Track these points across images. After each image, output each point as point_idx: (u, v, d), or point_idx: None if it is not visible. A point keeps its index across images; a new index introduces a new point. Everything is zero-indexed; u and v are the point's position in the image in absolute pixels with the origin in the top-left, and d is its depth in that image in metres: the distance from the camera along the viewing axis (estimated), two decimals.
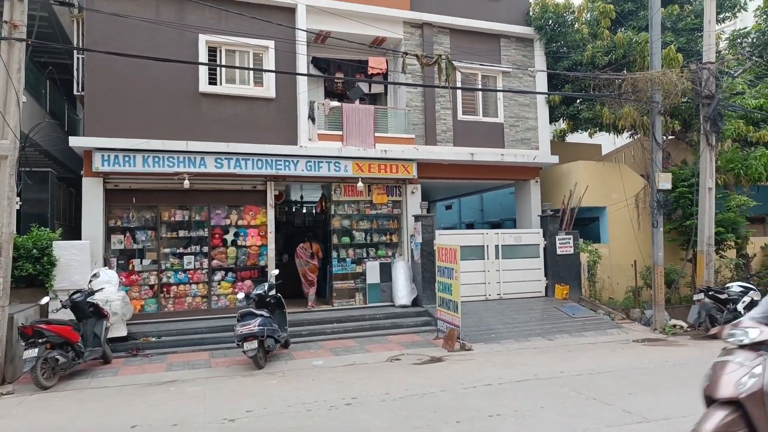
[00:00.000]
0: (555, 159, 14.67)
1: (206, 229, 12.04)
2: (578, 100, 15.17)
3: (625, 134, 16.10)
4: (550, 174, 15.22)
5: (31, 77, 11.74)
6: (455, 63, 11.28)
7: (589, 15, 15.37)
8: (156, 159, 11.12)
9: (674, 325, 11.90)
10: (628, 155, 17.36)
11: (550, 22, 14.43)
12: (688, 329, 11.80)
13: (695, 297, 11.89)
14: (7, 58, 7.68)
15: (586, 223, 15.38)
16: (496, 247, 13.50)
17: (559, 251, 13.68)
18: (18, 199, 9.10)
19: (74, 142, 10.73)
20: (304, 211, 17.27)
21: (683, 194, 13.92)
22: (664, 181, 12.03)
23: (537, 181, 14.81)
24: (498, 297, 13.40)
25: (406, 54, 10.86)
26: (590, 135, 17.13)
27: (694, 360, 8.83)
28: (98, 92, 11.00)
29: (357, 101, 13.52)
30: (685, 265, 14.08)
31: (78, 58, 11.61)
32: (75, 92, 11.74)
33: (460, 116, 14.03)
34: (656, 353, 9.66)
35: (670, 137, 15.27)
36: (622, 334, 11.42)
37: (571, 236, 13.79)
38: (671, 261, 14.14)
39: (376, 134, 12.94)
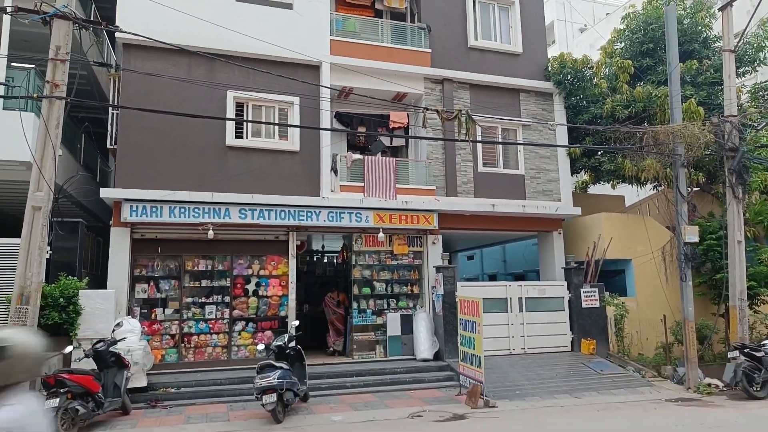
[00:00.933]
0: (577, 211, 14.58)
1: (228, 279, 12.13)
2: (599, 153, 15.19)
3: (648, 186, 15.98)
4: (572, 225, 15.09)
5: (68, 131, 12.28)
6: (475, 116, 11.49)
7: (607, 70, 15.61)
8: (182, 210, 11.38)
9: (709, 384, 11.38)
10: (652, 207, 17.14)
11: (569, 77, 14.68)
12: (724, 389, 11.26)
13: (730, 355, 11.39)
14: (47, 114, 8.07)
15: (612, 276, 15.07)
16: (520, 299, 13.26)
17: (584, 304, 13.37)
18: (48, 248, 9.36)
19: (105, 193, 11.09)
20: (325, 260, 17.30)
21: (711, 247, 13.61)
22: (691, 234, 11.81)
23: (560, 233, 14.67)
24: (522, 351, 13.05)
25: (427, 109, 11.12)
26: (612, 186, 17.04)
27: (733, 423, 8.39)
28: (130, 145, 11.43)
29: (378, 154, 13.76)
30: (717, 321, 13.58)
31: (112, 113, 12.14)
32: (108, 145, 12.21)
33: (481, 168, 14.15)
34: (691, 414, 9.20)
35: (694, 189, 15.09)
36: (653, 392, 10.94)
37: (596, 289, 13.50)
38: (702, 316, 13.68)
39: (398, 185, 13.10)
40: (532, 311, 13.30)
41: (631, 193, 17.91)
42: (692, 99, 13.55)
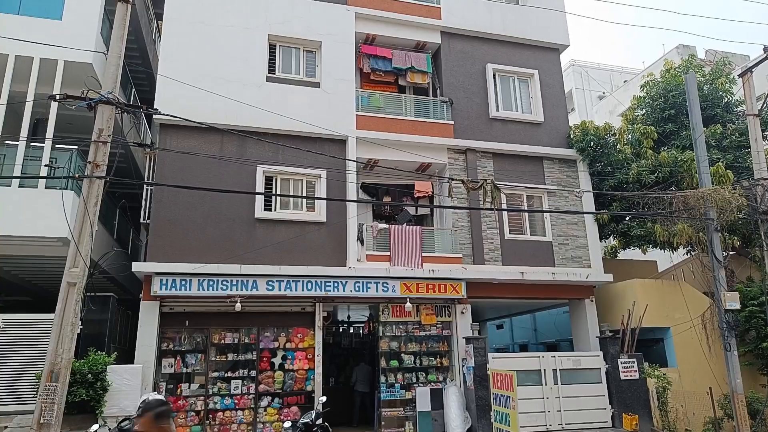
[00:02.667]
0: (609, 277, 14.23)
1: (254, 352, 11.99)
2: (628, 218, 15.01)
3: (681, 250, 15.60)
4: (604, 293, 14.68)
5: (103, 207, 12.70)
6: (499, 183, 11.57)
7: (630, 136, 15.71)
8: (211, 282, 11.47)
9: None
10: (687, 272, 16.64)
11: (592, 143, 14.80)
12: None
13: None
14: (87, 193, 8.39)
15: (650, 345, 14.43)
16: (554, 371, 12.70)
17: (622, 376, 12.73)
18: (80, 323, 9.44)
19: (137, 267, 11.29)
20: (351, 331, 17.05)
21: (754, 314, 13.02)
22: (732, 301, 11.36)
23: (592, 301, 14.26)
24: (560, 427, 12.34)
25: (452, 180, 11.25)
26: (643, 252, 16.68)
27: None
28: (162, 220, 11.74)
29: (404, 224, 13.84)
30: None
31: (147, 189, 12.59)
32: (141, 220, 12.57)
33: (508, 235, 14.05)
34: None
35: (730, 253, 14.67)
36: None
37: (634, 360, 12.89)
38: (751, 387, 12.87)
39: (424, 254, 13.05)
40: (568, 384, 12.69)
41: (663, 258, 17.48)
42: (720, 163, 13.47)
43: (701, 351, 13.34)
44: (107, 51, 10.04)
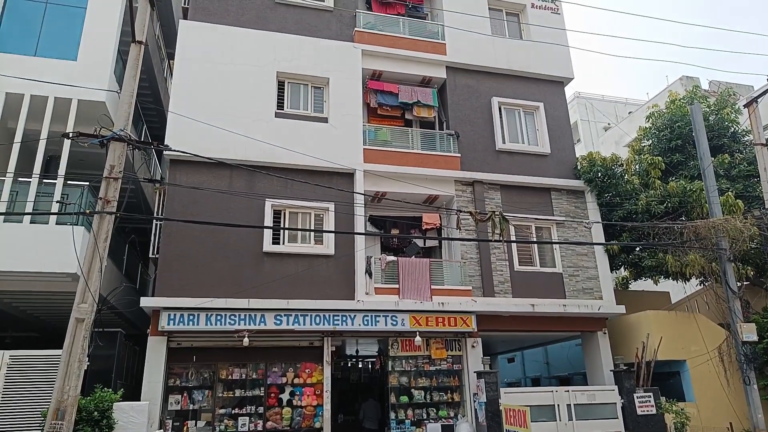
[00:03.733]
0: (621, 309, 14.01)
1: (262, 388, 11.82)
2: (638, 248, 14.87)
3: (694, 281, 15.37)
4: (617, 325, 14.42)
5: (113, 242, 12.78)
6: (507, 215, 11.55)
7: (637, 166, 15.70)
8: (218, 317, 11.40)
9: None
10: (701, 303, 16.35)
11: (599, 174, 14.79)
12: None
13: None
14: (97, 229, 8.45)
15: (665, 379, 14.08)
16: (569, 406, 12.37)
17: (639, 411, 12.38)
18: (87, 359, 9.37)
19: (145, 302, 11.27)
20: (360, 366, 16.80)
21: None
22: (749, 333, 11.14)
23: (605, 333, 14.01)
24: None
25: (460, 212, 11.24)
26: (655, 282, 16.45)
27: None
28: (171, 255, 11.77)
29: (413, 256, 13.78)
30: None
31: (156, 224, 12.66)
32: (150, 255, 12.61)
33: (517, 267, 13.94)
34: None
35: (744, 283, 14.43)
36: None
37: (650, 394, 12.56)
38: None
39: (433, 287, 12.94)
40: (582, 419, 12.34)
41: (675, 289, 17.22)
42: (729, 192, 13.40)
43: (719, 385, 12.98)
44: (120, 90, 10.30)
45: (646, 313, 14.07)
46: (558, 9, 17.07)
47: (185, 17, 14.11)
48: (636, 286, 18.29)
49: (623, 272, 17.42)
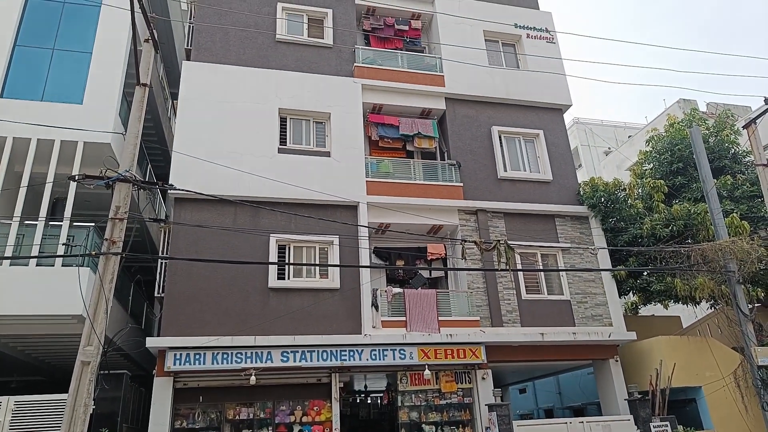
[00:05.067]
0: (632, 335, 13.80)
1: (270, 428, 11.59)
2: (646, 273, 14.75)
3: (704, 304, 15.17)
4: (629, 351, 14.19)
5: (118, 282, 12.77)
6: (512, 243, 11.50)
7: (640, 190, 15.71)
8: (225, 355, 11.28)
9: None
10: (713, 327, 16.09)
11: (603, 199, 14.78)
12: None
13: None
14: (103, 270, 8.44)
15: (681, 406, 13.75)
16: None
17: None
18: (92, 402, 9.24)
19: (151, 342, 11.17)
20: (369, 402, 16.50)
21: None
22: (764, 357, 10.95)
23: (617, 360, 13.77)
24: None
25: (465, 241, 11.22)
26: (665, 307, 16.27)
27: None
28: (176, 293, 11.72)
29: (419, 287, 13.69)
30: None
31: (162, 263, 12.66)
32: (156, 294, 12.57)
33: (525, 295, 13.81)
34: None
35: (756, 305, 14.23)
36: None
37: (667, 423, 12.25)
38: None
39: (440, 318, 12.81)
40: None
41: (686, 313, 16.99)
42: (734, 214, 13.36)
43: (737, 411, 12.67)
44: (125, 131, 10.44)
45: (658, 338, 13.85)
46: (553, 38, 17.37)
47: (188, 58, 14.42)
48: (646, 311, 18.07)
49: (632, 297, 17.24)
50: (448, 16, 16.26)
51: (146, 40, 9.57)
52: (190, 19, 15.63)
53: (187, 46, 15.03)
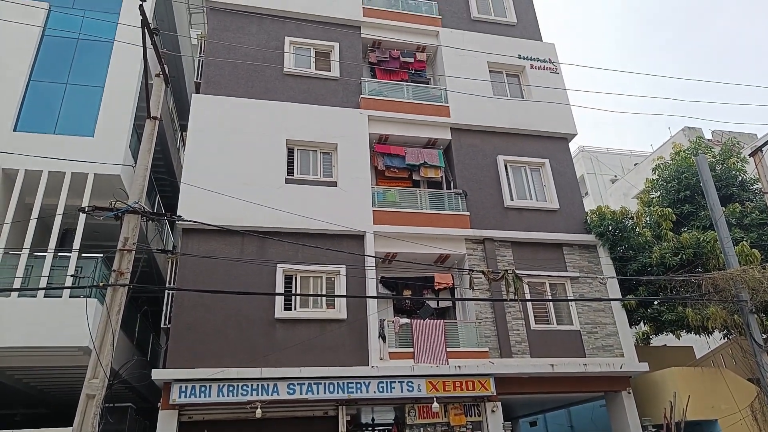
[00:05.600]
0: (644, 366, 13.53)
1: None
2: (657, 302, 14.56)
3: (717, 334, 14.91)
4: (642, 383, 13.89)
5: (124, 313, 12.73)
6: (520, 272, 11.42)
7: (648, 219, 15.63)
8: (231, 388, 11.15)
9: None
10: (727, 357, 15.79)
11: (610, 228, 14.71)
12: None
13: None
14: (110, 301, 8.43)
15: None
16: None
17: None
18: None
19: (156, 375, 11.07)
20: None
21: None
22: None
23: (629, 392, 13.47)
24: None
25: (472, 271, 11.16)
26: (677, 337, 15.98)
27: None
28: (182, 324, 11.65)
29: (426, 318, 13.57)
30: None
31: (169, 294, 12.64)
32: (162, 325, 12.51)
33: (534, 326, 13.64)
34: None
35: None
36: None
37: None
38: None
39: (448, 349, 12.65)
40: None
41: (699, 343, 16.69)
42: (744, 242, 13.24)
43: None
44: (135, 163, 10.59)
45: (671, 370, 13.57)
46: (557, 69, 17.60)
47: (197, 91, 14.68)
48: (657, 341, 17.77)
49: (643, 327, 16.97)
50: (453, 48, 16.54)
51: (157, 75, 9.77)
52: (200, 53, 16.00)
53: (197, 79, 15.34)
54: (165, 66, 9.76)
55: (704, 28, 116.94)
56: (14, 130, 12.11)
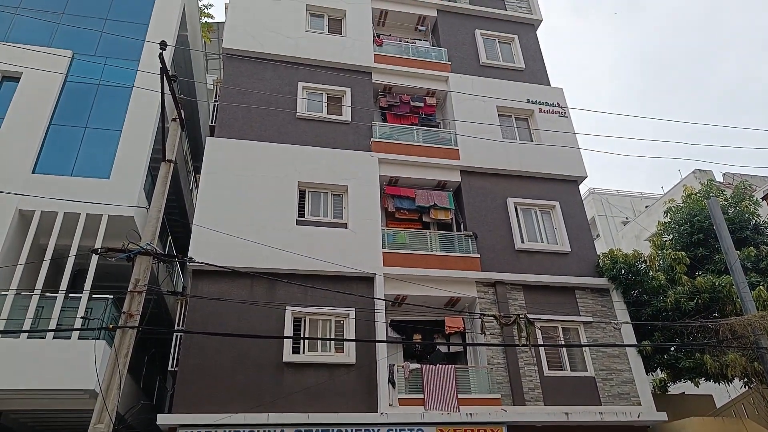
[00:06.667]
0: (663, 416, 13.07)
1: None
2: (673, 348, 14.20)
3: (737, 382, 14.43)
4: None
5: (132, 355, 12.63)
6: (532, 316, 11.25)
7: (662, 262, 15.44)
8: None
9: None
10: (748, 406, 15.22)
11: (623, 271, 14.52)
12: None
13: None
14: (119, 343, 8.38)
15: None
16: None
17: None
18: None
19: (162, 420, 10.88)
20: None
21: None
22: None
23: None
24: None
25: (484, 315, 11.01)
26: (696, 385, 15.50)
27: None
28: (190, 368, 11.51)
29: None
30: None
31: (177, 336, 12.55)
32: (169, 368, 12.36)
33: (547, 371, 13.31)
34: None
35: None
36: None
37: None
38: None
39: (460, 396, 12.34)
40: None
41: (719, 392, 16.13)
42: (761, 287, 12.99)
43: None
44: (149, 205, 10.73)
45: (691, 420, 13.09)
46: (565, 112, 17.80)
47: (212, 134, 15.00)
48: (675, 389, 17.21)
49: (660, 374, 16.50)
50: (462, 93, 16.85)
51: (174, 119, 10.03)
52: (215, 97, 16.44)
53: (212, 122, 15.70)
54: (181, 111, 10.02)
55: (711, 71, 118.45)
56: (33, 172, 12.37)
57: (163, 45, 8.86)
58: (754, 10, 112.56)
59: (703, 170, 26.45)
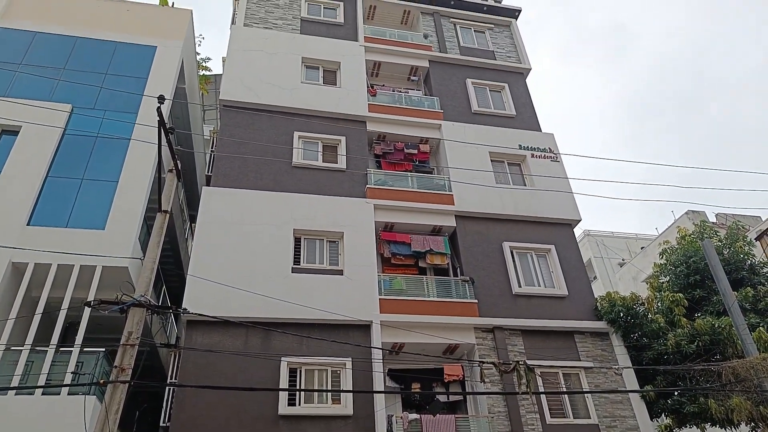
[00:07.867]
0: None
1: None
2: (676, 393, 13.92)
3: (744, 427, 14.09)
4: None
5: (123, 410, 12.27)
6: (532, 363, 11.07)
7: (660, 304, 15.35)
8: None
9: None
10: None
11: (621, 314, 14.42)
12: None
13: None
14: (110, 399, 8.16)
15: None
16: None
17: None
18: None
19: None
20: None
21: None
22: None
23: None
24: None
25: (483, 362, 10.84)
26: (701, 430, 15.10)
27: None
28: (182, 423, 11.17)
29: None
30: None
31: (169, 390, 12.24)
32: (161, 423, 12.00)
33: (549, 420, 12.99)
34: None
35: None
36: None
37: None
38: None
39: None
40: None
41: None
42: (761, 328, 12.89)
43: None
44: (143, 255, 10.69)
45: None
46: (557, 157, 18.09)
47: (208, 183, 15.11)
48: None
49: (665, 420, 16.10)
50: (455, 141, 17.15)
51: (170, 170, 10.11)
52: (212, 147, 16.65)
53: (208, 172, 15.83)
54: (178, 162, 10.12)
55: (698, 113, 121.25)
56: (28, 224, 12.34)
57: (161, 99, 9.02)
58: (737, 54, 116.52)
59: (695, 211, 26.66)
